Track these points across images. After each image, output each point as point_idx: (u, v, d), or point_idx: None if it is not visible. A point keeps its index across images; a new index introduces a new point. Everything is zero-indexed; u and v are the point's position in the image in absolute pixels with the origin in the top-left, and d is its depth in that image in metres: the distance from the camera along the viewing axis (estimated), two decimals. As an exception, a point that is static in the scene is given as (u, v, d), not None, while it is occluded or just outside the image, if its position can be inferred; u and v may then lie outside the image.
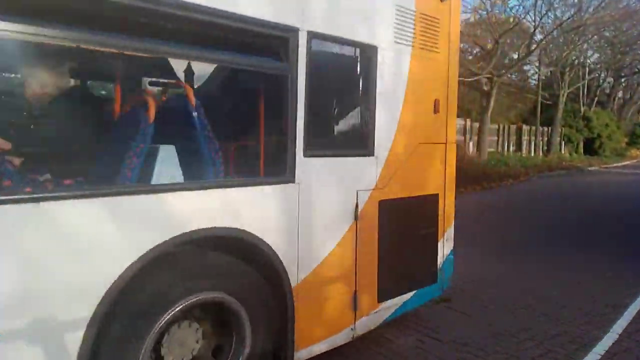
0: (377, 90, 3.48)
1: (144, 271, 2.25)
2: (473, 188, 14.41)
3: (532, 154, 25.63)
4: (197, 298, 2.49)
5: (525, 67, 24.91)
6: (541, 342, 4.06)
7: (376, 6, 3.47)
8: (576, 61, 25.43)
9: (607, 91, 32.71)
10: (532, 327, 4.35)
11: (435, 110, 3.96)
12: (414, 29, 3.76)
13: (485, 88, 19.61)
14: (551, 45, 23.89)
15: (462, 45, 21.63)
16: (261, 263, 2.82)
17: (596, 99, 30.16)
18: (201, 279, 2.54)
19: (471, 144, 19.89)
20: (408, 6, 3.70)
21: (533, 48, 19.83)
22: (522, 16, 20.24)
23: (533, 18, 19.51)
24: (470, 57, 21.34)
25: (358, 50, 3.42)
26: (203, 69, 3.19)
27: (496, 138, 23.44)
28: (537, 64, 24.86)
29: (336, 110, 3.57)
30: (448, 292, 4.62)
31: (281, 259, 2.87)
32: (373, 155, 3.50)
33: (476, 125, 20.60)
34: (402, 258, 3.77)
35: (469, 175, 14.58)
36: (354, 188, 3.36)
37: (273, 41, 2.81)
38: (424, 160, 3.94)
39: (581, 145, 28.42)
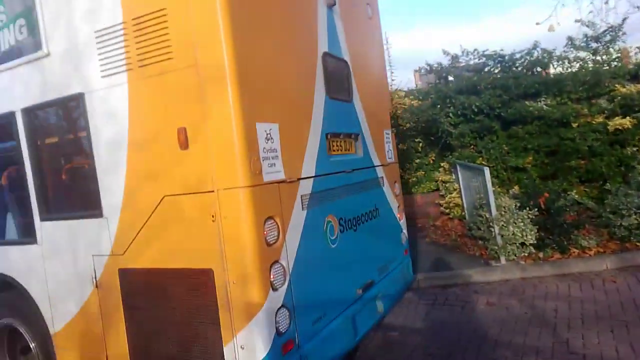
0: (92, 141, 2.97)
1: None
2: None
3: None
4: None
5: None
6: None
7: (78, 51, 3.00)
8: None
9: None
10: None
11: (182, 144, 2.58)
12: (126, 45, 2.78)
13: None
14: None
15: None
16: (31, 306, 3.43)
17: None
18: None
19: None
20: (113, 22, 2.80)
21: None
22: None
23: None
24: None
25: (67, 106, 3.23)
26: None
27: None
28: None
29: (64, 172, 3.39)
30: None
31: (39, 307, 3.40)
32: (102, 216, 3.00)
33: None
34: (161, 345, 2.88)
35: None
36: (90, 252, 3.12)
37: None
38: (176, 219, 2.70)
39: None
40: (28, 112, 3.32)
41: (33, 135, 3.35)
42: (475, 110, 8.22)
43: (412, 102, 10.01)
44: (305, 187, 3.14)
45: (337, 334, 3.23)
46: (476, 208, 6.89)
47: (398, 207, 4.71)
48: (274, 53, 2.98)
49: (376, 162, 4.37)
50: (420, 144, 9.44)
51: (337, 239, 3.46)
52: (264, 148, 2.72)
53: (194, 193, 2.67)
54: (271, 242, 2.71)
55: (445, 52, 9.48)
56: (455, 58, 9.49)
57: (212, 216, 2.61)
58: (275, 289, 2.69)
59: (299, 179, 3.06)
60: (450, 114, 8.56)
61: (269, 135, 2.78)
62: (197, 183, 2.65)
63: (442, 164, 9.17)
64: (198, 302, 2.71)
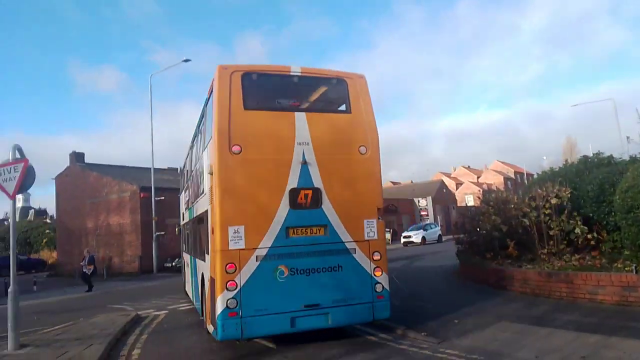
0: (208, 227, 7.97)
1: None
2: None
3: None
4: None
5: None
6: None
7: (205, 194, 8.35)
8: None
9: None
10: None
11: (210, 232, 7.53)
12: (208, 197, 7.87)
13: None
14: None
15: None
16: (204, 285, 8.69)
17: None
18: None
19: None
20: (207, 189, 8.14)
21: None
22: None
23: None
24: None
25: (207, 213, 8.05)
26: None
27: None
28: None
29: (205, 238, 8.65)
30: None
31: (200, 285, 9.37)
32: (207, 255, 8.11)
33: None
34: (206, 300, 8.39)
35: None
36: (206, 269, 8.25)
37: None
38: (212, 260, 7.52)
39: None
40: (205, 213, 8.18)
41: (204, 222, 8.27)
42: None
43: None
44: (261, 251, 7.11)
45: (273, 322, 7.01)
46: None
47: (375, 268, 7.72)
48: (248, 194, 7.17)
49: (346, 239, 7.60)
50: None
51: (286, 277, 7.17)
52: (232, 236, 6.99)
53: (213, 251, 7.26)
54: (230, 272, 6.91)
55: None
56: None
57: (213, 261, 7.25)
58: (229, 290, 6.85)
59: (254, 248, 7.08)
60: None
61: (236, 230, 7.02)
62: (212, 247, 7.31)
63: None
64: (213, 288, 7.15)
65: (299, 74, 8.08)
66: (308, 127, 7.59)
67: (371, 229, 7.74)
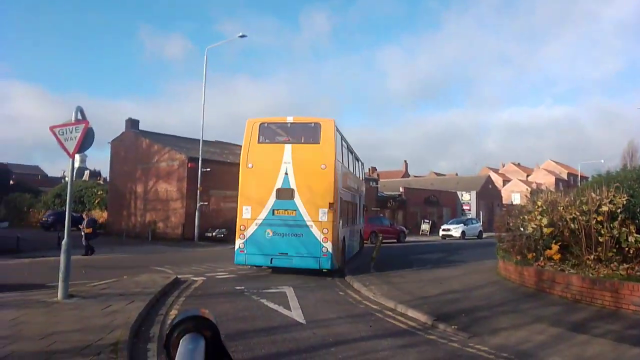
0: None
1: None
2: None
3: None
4: None
5: None
6: None
7: None
8: None
9: None
10: None
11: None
12: None
13: None
14: None
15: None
16: None
17: None
18: None
19: None
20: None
21: None
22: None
23: None
24: None
25: None
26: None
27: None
28: None
29: None
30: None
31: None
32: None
33: None
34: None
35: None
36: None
37: None
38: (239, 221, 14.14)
39: None
40: None
41: None
42: None
43: None
44: (259, 220, 13.57)
45: (261, 258, 13.58)
46: None
47: (323, 238, 13.02)
48: (256, 188, 13.74)
49: (307, 219, 13.22)
50: None
51: (271, 236, 13.42)
52: (244, 211, 13.79)
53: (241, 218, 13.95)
54: (242, 230, 13.68)
55: None
56: None
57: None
58: (242, 239, 13.58)
59: (255, 219, 13.60)
60: None
61: (247, 209, 13.79)
62: (238, 217, 13.94)
63: None
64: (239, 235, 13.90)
65: (292, 121, 14.33)
66: (292, 153, 13.55)
67: (323, 214, 13.12)
